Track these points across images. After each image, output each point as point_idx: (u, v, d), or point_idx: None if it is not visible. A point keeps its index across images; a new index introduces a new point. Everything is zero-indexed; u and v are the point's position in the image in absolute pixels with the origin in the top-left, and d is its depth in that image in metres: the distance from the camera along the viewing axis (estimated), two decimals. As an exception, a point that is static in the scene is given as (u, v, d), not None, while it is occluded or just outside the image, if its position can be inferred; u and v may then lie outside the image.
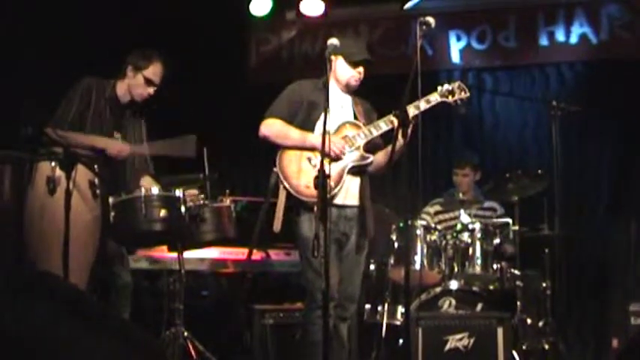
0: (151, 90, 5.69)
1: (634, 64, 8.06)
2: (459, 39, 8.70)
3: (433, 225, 6.75)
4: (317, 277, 5.01)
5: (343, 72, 5.34)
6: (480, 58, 8.70)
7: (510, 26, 8.62)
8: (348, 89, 5.38)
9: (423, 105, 5.15)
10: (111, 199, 5.32)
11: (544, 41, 8.52)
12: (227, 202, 6.00)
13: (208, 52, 8.67)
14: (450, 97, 5.32)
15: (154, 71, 5.67)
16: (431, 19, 4.78)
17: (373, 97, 5.66)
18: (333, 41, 4.93)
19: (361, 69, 5.36)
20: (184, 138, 5.64)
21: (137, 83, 5.66)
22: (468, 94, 5.38)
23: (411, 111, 5.09)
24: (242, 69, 9.17)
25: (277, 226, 5.14)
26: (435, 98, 5.27)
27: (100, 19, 7.50)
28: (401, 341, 6.28)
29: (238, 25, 8.98)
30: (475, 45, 8.69)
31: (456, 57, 8.71)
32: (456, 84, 5.38)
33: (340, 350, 5.27)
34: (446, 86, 5.34)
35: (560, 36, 8.46)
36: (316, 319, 5.05)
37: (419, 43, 4.77)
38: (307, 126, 5.25)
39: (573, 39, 8.42)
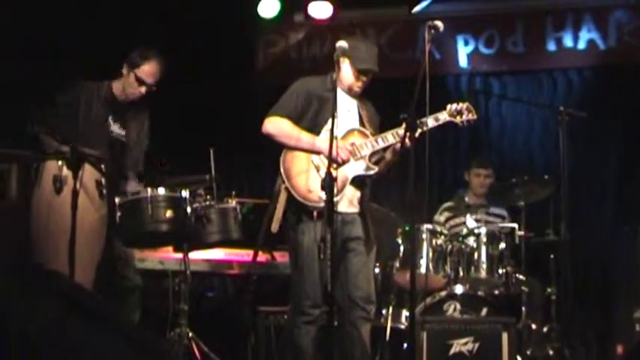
0: (143, 89, 5.67)
1: (641, 70, 8.06)
2: (466, 43, 8.70)
3: (445, 231, 6.73)
4: (306, 285, 5.08)
5: (347, 76, 5.30)
6: (487, 63, 8.70)
7: (518, 31, 8.62)
8: (350, 92, 5.37)
9: (431, 122, 5.20)
10: (117, 199, 5.34)
11: (552, 47, 8.52)
12: (233, 203, 6.00)
13: (216, 53, 8.67)
14: (458, 117, 5.34)
15: (146, 71, 5.66)
16: (439, 23, 4.78)
17: (381, 100, 5.66)
18: (343, 44, 4.92)
19: (365, 78, 5.33)
20: None
21: (129, 82, 5.67)
22: (475, 117, 5.40)
23: (430, 122, 5.15)
24: (250, 71, 9.18)
25: (275, 226, 5.14)
26: (443, 117, 5.32)
27: (108, 19, 7.50)
28: (405, 345, 6.27)
29: (246, 26, 8.98)
30: (483, 50, 8.69)
31: (463, 61, 8.71)
32: (465, 105, 5.40)
33: (362, 355, 5.24)
34: (455, 106, 5.36)
35: (568, 41, 8.46)
36: (301, 324, 5.12)
37: (427, 46, 4.77)
38: (314, 128, 5.23)
39: (581, 45, 8.43)
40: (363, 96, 5.47)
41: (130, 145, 5.80)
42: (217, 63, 8.69)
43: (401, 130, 5.11)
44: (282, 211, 5.13)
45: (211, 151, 6.14)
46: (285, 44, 9.21)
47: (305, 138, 5.18)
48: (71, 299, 3.84)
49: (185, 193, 5.54)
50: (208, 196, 5.87)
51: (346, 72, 5.28)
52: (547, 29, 8.53)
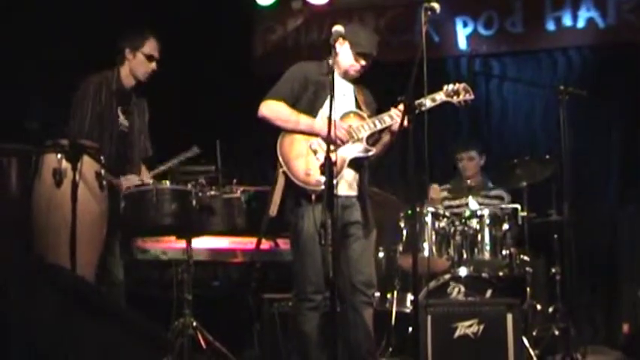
0: (153, 65, 5.82)
1: (641, 47, 8.03)
2: (465, 25, 8.67)
3: (448, 213, 6.72)
4: (309, 271, 5.06)
5: (345, 59, 5.27)
6: (486, 44, 8.67)
7: (517, 11, 8.59)
8: (346, 77, 5.35)
9: (428, 103, 5.16)
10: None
11: (551, 26, 8.49)
12: (237, 193, 6.01)
13: (214, 41, 8.66)
14: (454, 97, 5.31)
15: (151, 47, 5.80)
16: (436, 5, 4.76)
17: (379, 84, 5.64)
18: (339, 28, 4.90)
19: (363, 62, 5.30)
20: None
21: (139, 63, 5.78)
22: (472, 97, 5.37)
23: (427, 103, 5.13)
24: (248, 58, 9.16)
25: (274, 210, 5.11)
26: (440, 97, 5.26)
27: (102, 10, 7.49)
28: (410, 329, 6.27)
29: (244, 14, 8.96)
30: (482, 31, 8.66)
31: (462, 43, 8.68)
32: (462, 85, 5.36)
33: (365, 340, 5.22)
34: (451, 86, 5.32)
35: (567, 20, 8.43)
36: (305, 311, 5.10)
37: (424, 28, 4.75)
38: (310, 112, 5.20)
39: (580, 23, 8.39)
40: (360, 83, 5.45)
41: (134, 135, 5.85)
42: (216, 51, 8.68)
43: (397, 111, 5.11)
44: (280, 195, 5.12)
45: (217, 143, 6.16)
46: (283, 31, 9.20)
47: (303, 120, 5.16)
48: (73, 292, 3.84)
49: (190, 186, 5.57)
50: (213, 187, 5.87)
51: (344, 54, 5.25)
52: (546, 8, 8.50)
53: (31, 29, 6.96)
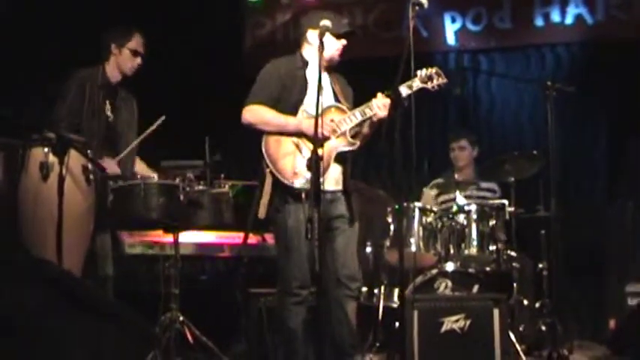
0: (139, 60, 5.94)
1: (630, 44, 8.03)
2: (454, 20, 8.67)
3: (435, 208, 6.72)
4: (294, 266, 5.06)
5: (330, 47, 5.20)
6: (475, 40, 8.67)
7: (505, 7, 8.59)
8: (331, 64, 5.31)
9: (404, 91, 5.14)
10: (111, 183, 5.43)
11: (539, 22, 8.50)
12: (225, 188, 6.01)
13: (203, 36, 8.64)
14: (429, 83, 5.30)
15: (136, 42, 5.93)
16: (424, 0, 4.77)
17: (368, 79, 5.64)
18: (326, 22, 4.93)
19: (345, 41, 5.29)
20: None
21: (125, 58, 5.90)
22: (445, 80, 5.37)
23: (404, 90, 5.12)
24: (237, 53, 9.14)
25: (262, 212, 5.11)
26: (416, 84, 5.23)
27: (102, 9, 7.50)
28: (397, 324, 6.28)
29: (233, 9, 8.95)
30: (470, 26, 8.66)
31: (451, 39, 8.68)
32: (434, 69, 5.35)
33: (349, 334, 5.21)
34: (424, 71, 5.29)
35: (555, 16, 8.44)
36: (290, 306, 5.10)
37: (411, 24, 4.76)
38: (292, 109, 5.19)
39: (569, 19, 8.40)
40: (333, 70, 5.43)
41: (121, 127, 5.90)
42: (205, 45, 8.66)
43: (377, 102, 5.14)
44: (269, 196, 5.11)
45: (206, 139, 6.17)
46: (272, 26, 9.19)
47: (291, 121, 5.15)
48: (60, 287, 3.83)
49: (178, 181, 5.59)
50: (201, 181, 5.88)
51: (327, 44, 5.17)
52: (534, 4, 8.50)
53: (31, 29, 6.97)
